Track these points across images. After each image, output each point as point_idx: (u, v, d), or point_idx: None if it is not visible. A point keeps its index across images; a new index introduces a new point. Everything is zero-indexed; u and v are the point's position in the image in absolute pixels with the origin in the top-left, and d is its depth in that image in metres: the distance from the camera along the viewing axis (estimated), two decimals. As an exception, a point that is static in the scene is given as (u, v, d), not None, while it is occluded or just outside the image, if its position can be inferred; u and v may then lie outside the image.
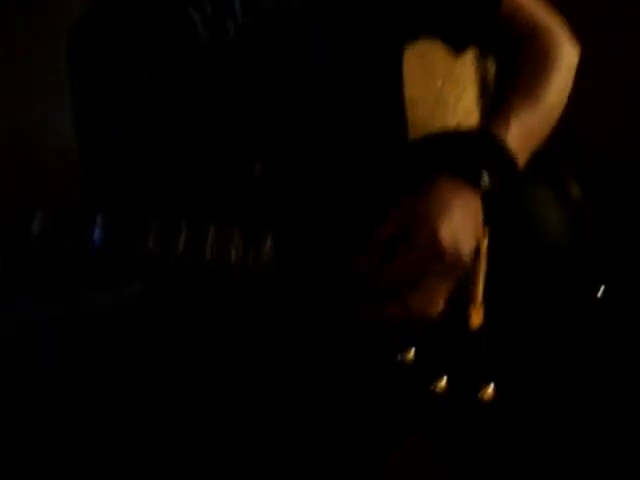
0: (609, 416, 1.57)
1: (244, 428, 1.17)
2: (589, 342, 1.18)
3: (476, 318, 1.15)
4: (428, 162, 1.11)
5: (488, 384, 1.15)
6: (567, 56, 1.19)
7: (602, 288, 1.19)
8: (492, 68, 1.45)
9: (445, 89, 1.47)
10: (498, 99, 1.16)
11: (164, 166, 1.15)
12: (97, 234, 1.05)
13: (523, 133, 1.12)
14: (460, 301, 1.15)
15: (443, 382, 1.14)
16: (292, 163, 1.15)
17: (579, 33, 1.23)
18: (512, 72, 1.16)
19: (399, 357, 1.13)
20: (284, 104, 1.17)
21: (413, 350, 1.13)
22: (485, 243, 1.17)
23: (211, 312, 1.15)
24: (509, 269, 1.18)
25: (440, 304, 1.07)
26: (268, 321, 1.13)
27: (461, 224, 1.06)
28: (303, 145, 1.16)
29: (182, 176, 1.14)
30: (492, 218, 1.12)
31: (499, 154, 1.09)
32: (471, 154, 1.10)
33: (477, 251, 1.16)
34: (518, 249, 1.18)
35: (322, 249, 1.10)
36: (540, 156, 1.22)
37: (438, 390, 1.13)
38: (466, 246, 1.06)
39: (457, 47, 1.23)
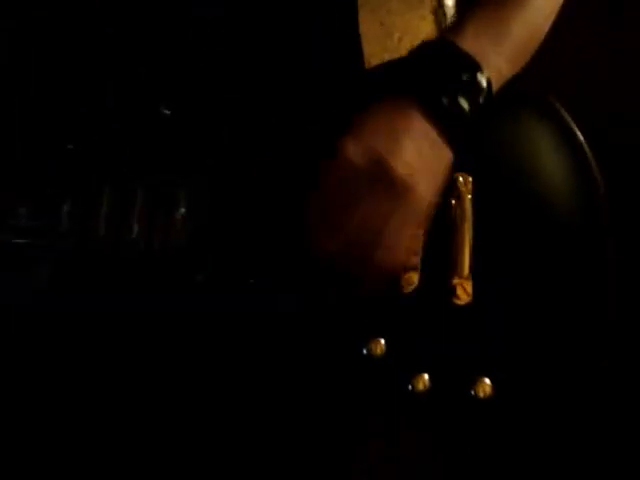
0: (628, 415, 1.32)
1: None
2: (604, 328, 0.92)
3: (462, 294, 0.89)
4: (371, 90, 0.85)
5: (483, 377, 0.89)
6: None
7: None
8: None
9: (402, 44, 1.28)
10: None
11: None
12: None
13: (495, 40, 0.87)
14: (440, 273, 0.89)
15: (424, 378, 0.88)
16: (209, 106, 0.88)
17: (579, 33, 1.16)
18: None
19: (365, 350, 0.87)
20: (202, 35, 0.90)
21: (382, 340, 0.87)
22: (468, 198, 0.91)
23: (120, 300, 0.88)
24: (504, 232, 0.91)
25: (403, 253, 0.84)
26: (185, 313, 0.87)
27: (416, 155, 0.82)
28: (225, 86, 0.89)
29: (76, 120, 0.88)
30: (468, 155, 0.85)
31: (461, 63, 0.84)
32: (424, 66, 0.85)
33: (460, 208, 0.90)
34: (516, 212, 0.92)
35: (252, 211, 0.84)
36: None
37: (419, 389, 0.87)
38: (424, 181, 0.82)
39: None
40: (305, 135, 0.88)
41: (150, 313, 0.85)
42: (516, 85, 0.90)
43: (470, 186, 0.91)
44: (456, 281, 0.89)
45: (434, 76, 0.83)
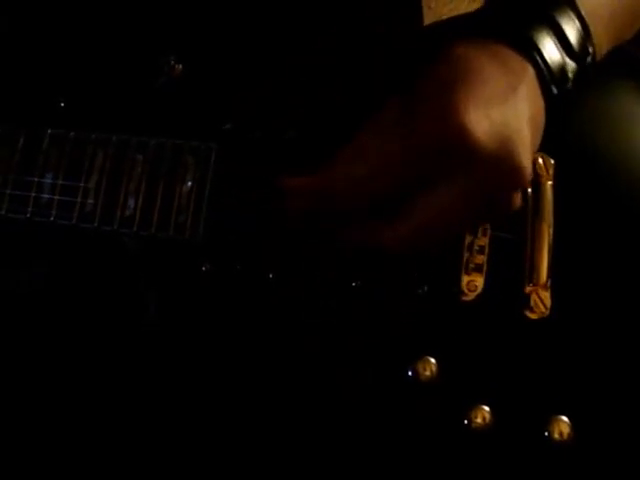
0: None
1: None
2: None
3: (538, 305, 0.71)
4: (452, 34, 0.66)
5: (560, 414, 0.69)
6: None
7: None
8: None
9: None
10: None
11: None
12: None
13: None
14: (511, 278, 0.70)
15: (484, 411, 0.69)
16: (228, 60, 0.71)
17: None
18: None
19: (410, 372, 0.68)
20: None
21: (432, 360, 0.68)
22: (549, 185, 0.72)
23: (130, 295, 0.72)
24: (593, 230, 0.72)
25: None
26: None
27: (510, 112, 0.60)
28: (245, 31, 0.72)
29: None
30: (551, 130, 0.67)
31: (564, 10, 0.65)
32: (519, 7, 0.65)
33: (538, 198, 0.71)
34: (609, 207, 0.73)
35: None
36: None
37: (477, 424, 0.69)
38: (523, 150, 0.60)
39: None
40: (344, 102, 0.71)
41: (140, 310, 0.69)
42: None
43: (552, 171, 0.72)
44: (530, 289, 0.70)
45: (536, 20, 0.64)
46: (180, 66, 0.71)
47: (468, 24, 0.66)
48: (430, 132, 0.58)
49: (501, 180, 0.60)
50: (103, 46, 0.72)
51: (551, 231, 0.71)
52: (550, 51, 0.63)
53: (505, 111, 0.59)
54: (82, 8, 0.73)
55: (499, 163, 0.59)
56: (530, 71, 0.62)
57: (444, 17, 1.09)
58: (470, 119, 0.57)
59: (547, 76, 0.63)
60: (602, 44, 0.68)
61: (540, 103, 0.63)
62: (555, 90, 0.63)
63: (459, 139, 0.58)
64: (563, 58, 0.64)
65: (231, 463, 0.72)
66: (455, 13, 1.09)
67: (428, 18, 1.07)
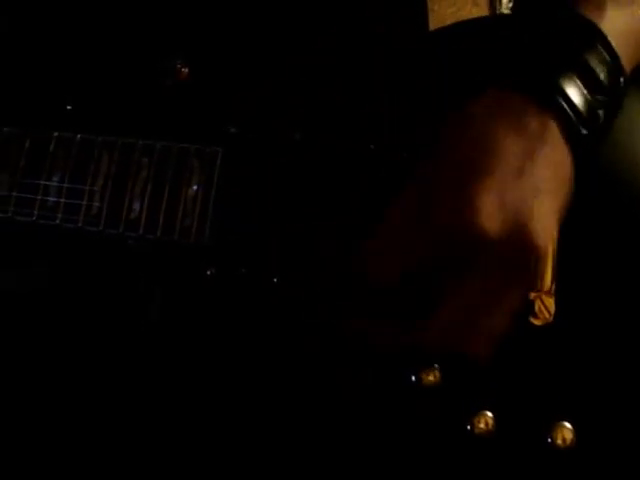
0: None
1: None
2: None
3: (542, 311, 0.70)
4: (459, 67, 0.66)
5: (563, 420, 0.69)
6: None
7: None
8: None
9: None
10: None
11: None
12: None
13: (629, 24, 0.66)
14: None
15: (487, 417, 0.69)
16: (235, 64, 0.71)
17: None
18: None
19: (414, 377, 0.69)
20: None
21: (437, 367, 0.69)
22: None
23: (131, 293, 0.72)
24: (598, 237, 0.72)
25: (492, 337, 0.62)
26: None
27: (527, 185, 0.59)
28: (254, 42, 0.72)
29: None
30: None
31: (594, 48, 0.63)
32: (542, 45, 0.63)
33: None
34: (613, 212, 0.73)
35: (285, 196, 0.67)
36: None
37: (480, 430, 0.69)
38: (538, 226, 0.59)
39: None
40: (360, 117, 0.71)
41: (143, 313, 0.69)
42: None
43: None
44: (535, 295, 0.70)
45: (564, 64, 0.62)
46: (186, 69, 0.72)
47: (485, 60, 0.65)
48: (445, 229, 0.58)
49: (517, 262, 0.59)
50: (109, 49, 0.72)
51: (555, 237, 0.72)
52: (576, 93, 0.61)
53: (521, 187, 0.59)
54: (88, 11, 0.73)
55: (513, 248, 0.58)
56: (551, 125, 0.60)
57: (447, 19, 1.09)
58: (483, 213, 0.57)
59: (574, 119, 0.61)
60: (626, 74, 0.67)
61: (564, 154, 0.61)
62: (584, 131, 0.61)
63: (472, 234, 0.57)
64: (592, 96, 0.61)
65: (232, 463, 0.72)
66: (458, 15, 1.08)
67: (431, 20, 1.06)
